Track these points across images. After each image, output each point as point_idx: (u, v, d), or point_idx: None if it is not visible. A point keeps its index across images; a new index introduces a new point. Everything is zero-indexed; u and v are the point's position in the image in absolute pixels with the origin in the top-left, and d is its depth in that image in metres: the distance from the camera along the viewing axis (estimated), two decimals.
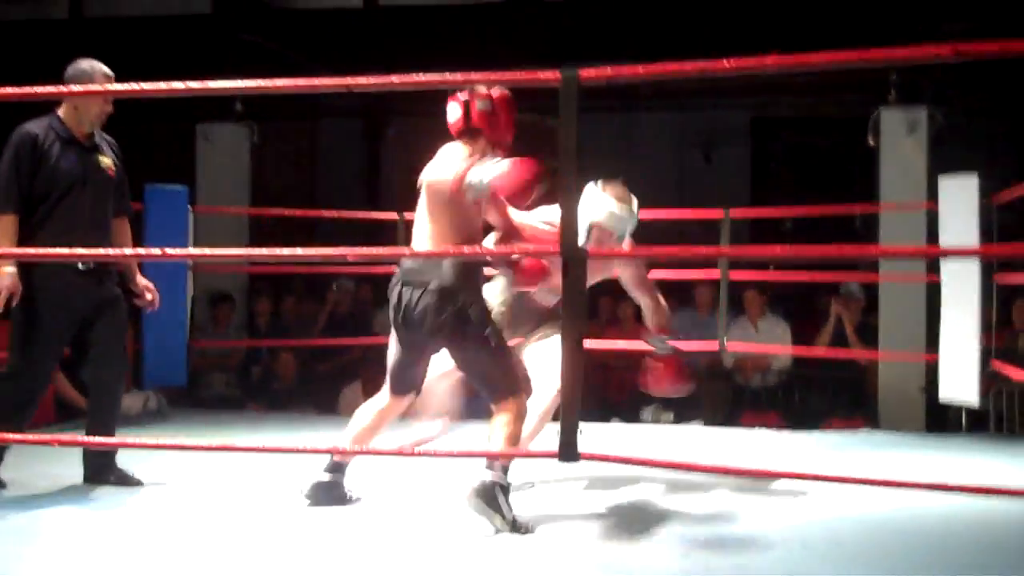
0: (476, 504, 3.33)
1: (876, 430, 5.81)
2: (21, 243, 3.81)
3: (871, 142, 6.27)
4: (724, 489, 3.99)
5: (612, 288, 7.38)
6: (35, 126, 3.90)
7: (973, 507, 3.67)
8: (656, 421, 6.30)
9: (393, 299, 3.48)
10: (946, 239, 5.29)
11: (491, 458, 3.35)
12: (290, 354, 6.97)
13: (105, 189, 3.99)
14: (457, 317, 3.38)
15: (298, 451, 3.59)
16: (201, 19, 7.51)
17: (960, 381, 5.19)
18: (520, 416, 3.41)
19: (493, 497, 3.31)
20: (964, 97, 6.66)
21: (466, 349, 3.43)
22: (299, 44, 7.48)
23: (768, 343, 6.58)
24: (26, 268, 3.82)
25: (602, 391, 7.07)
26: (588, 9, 7.07)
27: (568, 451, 2.72)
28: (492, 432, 3.38)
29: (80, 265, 3.90)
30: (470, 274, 3.43)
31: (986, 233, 5.05)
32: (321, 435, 5.02)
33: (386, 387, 3.63)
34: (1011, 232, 5.29)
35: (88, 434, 3.95)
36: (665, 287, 7.25)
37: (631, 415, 6.44)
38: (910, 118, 5.98)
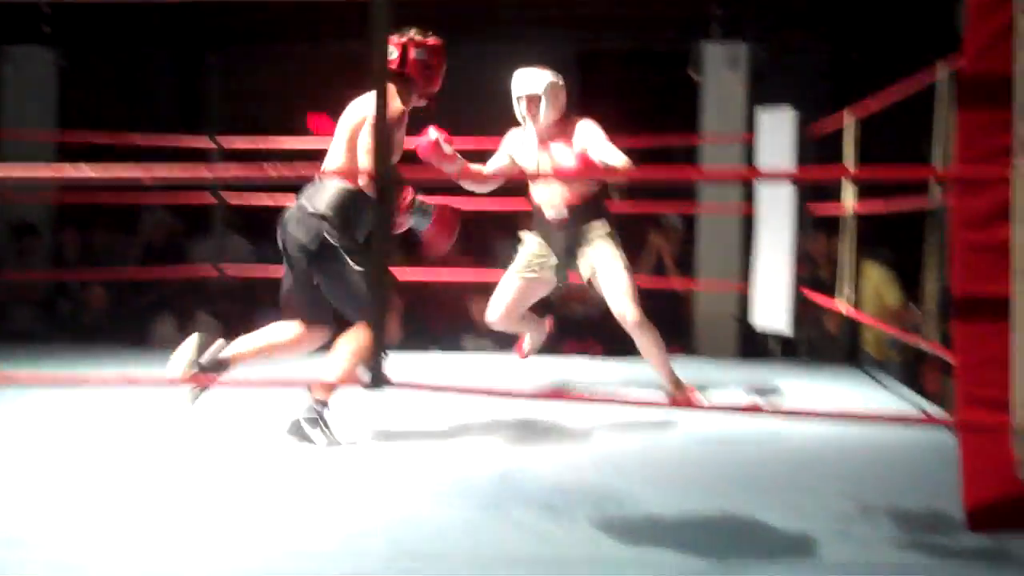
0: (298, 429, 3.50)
1: (692, 356, 5.96)
2: None
3: (693, 76, 6.35)
4: (542, 417, 4.01)
5: None
6: None
7: (784, 429, 3.81)
8: (477, 350, 6.29)
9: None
10: (763, 169, 5.43)
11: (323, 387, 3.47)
12: (100, 287, 6.63)
13: None
14: (322, 244, 3.45)
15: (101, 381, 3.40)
16: None
17: (772, 309, 5.36)
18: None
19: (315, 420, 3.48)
20: (784, 32, 6.79)
21: (329, 274, 3.50)
22: None
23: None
24: None
25: (425, 321, 7.00)
26: None
27: (376, 379, 2.64)
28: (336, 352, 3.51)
29: None
30: (350, 206, 3.49)
31: (801, 165, 5.20)
32: (132, 368, 4.86)
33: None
34: (826, 165, 5.45)
35: None
36: (491, 220, 7.30)
37: (453, 345, 6.40)
38: (731, 53, 6.07)
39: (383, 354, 2.64)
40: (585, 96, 8.69)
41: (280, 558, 2.46)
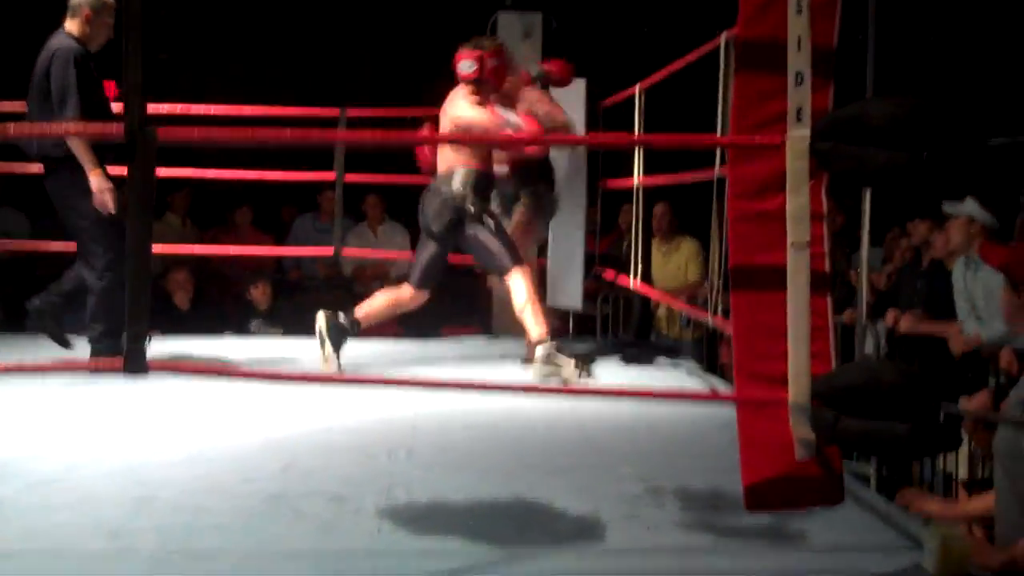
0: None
1: (491, 337, 5.86)
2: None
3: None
4: (333, 403, 3.81)
5: (233, 193, 7.05)
6: (70, 42, 4.21)
7: (575, 408, 3.75)
8: (264, 334, 6.02)
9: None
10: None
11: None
12: None
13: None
14: (461, 217, 4.31)
15: None
16: None
17: (566, 287, 5.31)
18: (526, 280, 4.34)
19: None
20: (577, 3, 6.77)
21: (470, 241, 4.36)
22: None
23: (388, 250, 6.46)
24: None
25: (218, 302, 6.69)
26: None
27: (134, 362, 2.37)
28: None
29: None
30: (476, 185, 4.34)
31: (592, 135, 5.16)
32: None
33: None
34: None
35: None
36: (285, 191, 7.02)
37: (242, 329, 6.11)
38: (525, 22, 5.99)
39: (146, 337, 2.38)
40: (377, 64, 8.55)
41: (35, 560, 2.26)
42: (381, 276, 6.49)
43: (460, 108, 4.36)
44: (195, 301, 6.17)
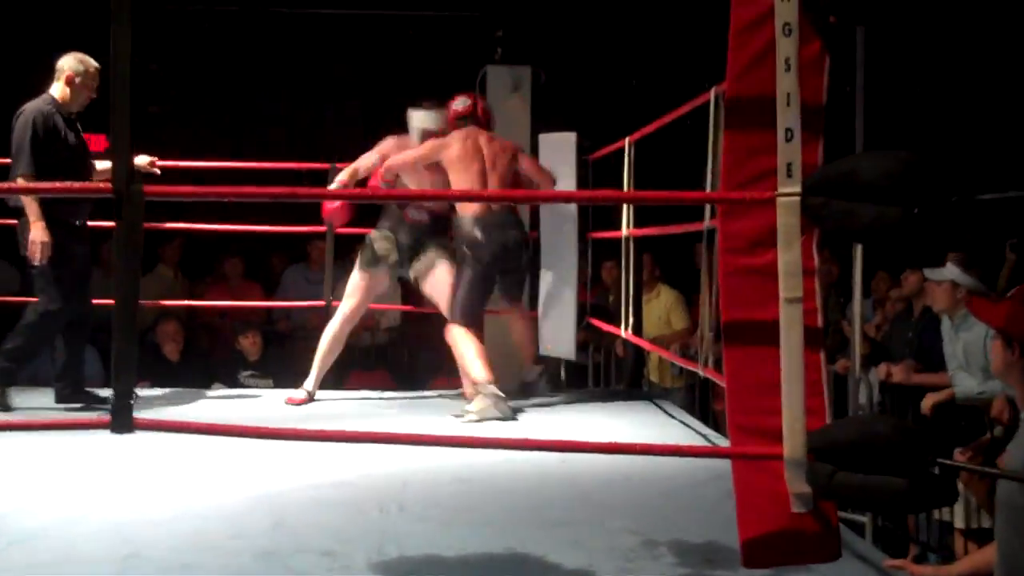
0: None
1: None
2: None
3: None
4: (323, 457, 3.77)
5: (224, 243, 7.05)
6: (41, 104, 4.51)
7: (568, 459, 3.72)
8: (255, 386, 5.99)
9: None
10: None
11: None
12: None
13: (89, 159, 4.69)
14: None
15: None
16: None
17: (557, 336, 5.30)
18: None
19: None
20: (565, 58, 6.84)
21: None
22: None
23: (379, 301, 6.44)
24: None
25: (208, 353, 6.66)
26: None
27: (121, 420, 2.35)
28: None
29: (76, 222, 4.57)
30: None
31: (582, 188, 5.18)
32: None
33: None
34: (605, 187, 5.45)
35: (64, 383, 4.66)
36: (275, 241, 7.02)
37: (232, 380, 6.08)
38: (515, 76, 6.03)
39: (132, 393, 2.37)
40: (367, 119, 8.61)
41: None
42: (371, 327, 6.49)
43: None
44: (185, 352, 6.15)
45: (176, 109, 7.97)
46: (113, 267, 2.44)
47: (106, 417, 2.36)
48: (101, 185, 2.47)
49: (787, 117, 2.27)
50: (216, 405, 5.02)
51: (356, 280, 5.04)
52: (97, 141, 5.03)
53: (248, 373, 6.11)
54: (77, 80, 4.57)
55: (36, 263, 4.38)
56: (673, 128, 4.54)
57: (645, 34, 7.13)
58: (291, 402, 4.87)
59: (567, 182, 5.03)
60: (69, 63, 4.60)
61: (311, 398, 4.93)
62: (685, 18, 6.91)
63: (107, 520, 2.97)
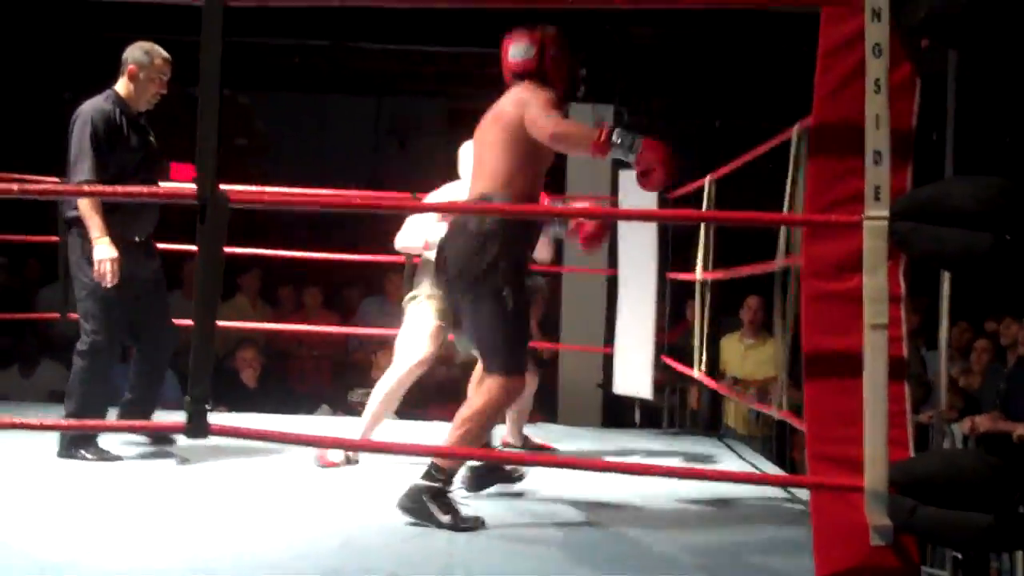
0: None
1: (553, 424, 5.79)
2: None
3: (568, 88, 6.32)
4: (392, 480, 3.75)
5: (294, 276, 7.15)
6: (102, 103, 3.99)
7: (638, 496, 3.66)
8: (330, 414, 6.01)
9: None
10: (624, 232, 5.35)
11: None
12: None
13: (159, 166, 4.22)
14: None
15: None
16: None
17: (634, 375, 5.24)
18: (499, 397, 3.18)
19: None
20: (649, 98, 6.84)
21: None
22: None
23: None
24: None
25: (288, 381, 6.74)
26: None
27: (196, 425, 2.37)
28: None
29: (136, 238, 4.04)
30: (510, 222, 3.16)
31: (662, 228, 5.14)
32: None
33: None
34: (686, 228, 5.41)
35: (128, 413, 4.12)
36: (356, 273, 7.08)
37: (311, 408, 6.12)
38: (597, 114, 6.05)
39: (207, 400, 2.38)
40: (453, 151, 8.67)
41: None
42: (447, 361, 6.49)
43: (536, 109, 3.11)
44: (262, 379, 6.21)
45: (263, 142, 8.14)
46: (195, 273, 2.45)
47: (181, 422, 2.39)
48: (185, 190, 2.44)
49: (876, 140, 2.23)
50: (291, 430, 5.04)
51: (427, 327, 4.08)
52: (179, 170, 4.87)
53: (362, 391, 6.07)
54: (141, 74, 4.02)
55: (107, 284, 3.87)
56: (755, 168, 4.49)
57: (729, 73, 7.09)
58: (325, 464, 3.93)
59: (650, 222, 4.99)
60: (132, 54, 4.05)
61: (349, 461, 3.97)
62: (770, 57, 6.87)
63: (173, 539, 2.98)
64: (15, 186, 2.51)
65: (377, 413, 3.99)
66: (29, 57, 7.32)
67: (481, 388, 3.19)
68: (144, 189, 3.52)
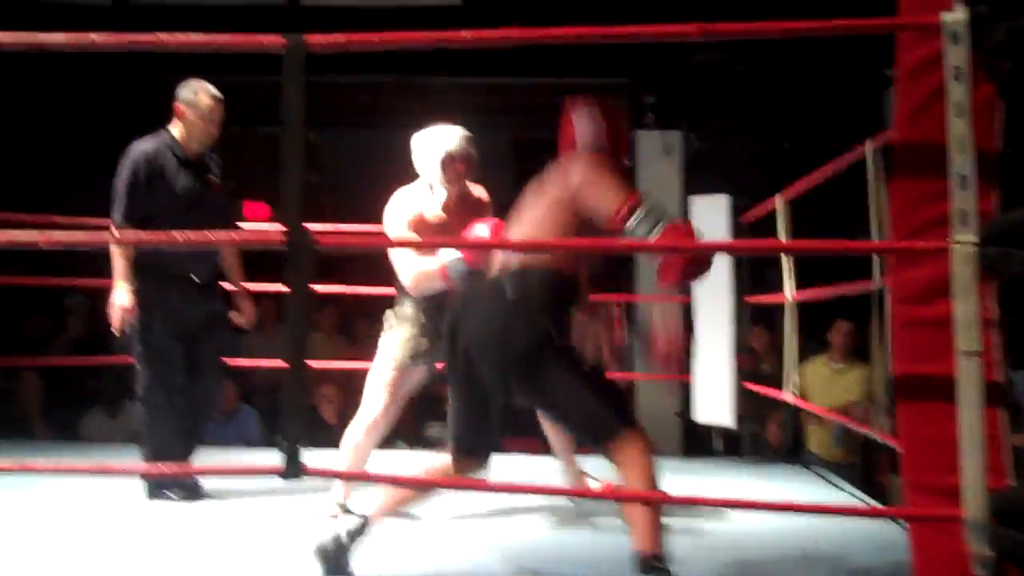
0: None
1: None
2: (140, 260, 3.84)
3: (625, 163, 6.30)
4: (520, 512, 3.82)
5: (368, 309, 7.20)
6: (149, 143, 3.93)
7: (719, 526, 3.62)
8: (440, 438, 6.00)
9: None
10: None
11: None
12: (35, 375, 6.35)
13: (217, 207, 3.99)
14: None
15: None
16: None
17: (714, 403, 5.20)
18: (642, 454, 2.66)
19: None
20: (715, 122, 6.82)
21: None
22: None
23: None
24: (144, 283, 3.88)
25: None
26: None
27: (292, 467, 2.40)
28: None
29: (195, 278, 3.96)
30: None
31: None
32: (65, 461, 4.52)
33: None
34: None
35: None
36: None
37: (414, 437, 6.16)
38: (666, 140, 6.04)
39: (301, 440, 2.41)
40: (520, 183, 8.66)
41: None
42: None
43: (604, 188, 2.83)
44: (342, 415, 6.27)
45: (333, 179, 8.23)
46: (286, 316, 2.49)
47: (278, 464, 2.41)
48: (273, 235, 2.43)
49: (960, 164, 2.20)
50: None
51: (386, 374, 3.68)
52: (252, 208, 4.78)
53: (439, 425, 6.08)
54: (189, 113, 3.94)
55: (114, 331, 3.86)
56: (829, 189, 4.44)
57: (795, 94, 7.04)
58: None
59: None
60: (181, 93, 3.97)
61: (346, 510, 3.57)
62: (839, 77, 6.81)
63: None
64: (39, 237, 2.48)
65: (353, 467, 3.59)
66: (98, 96, 7.50)
67: (619, 467, 2.67)
68: (237, 235, 3.51)
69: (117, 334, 3.89)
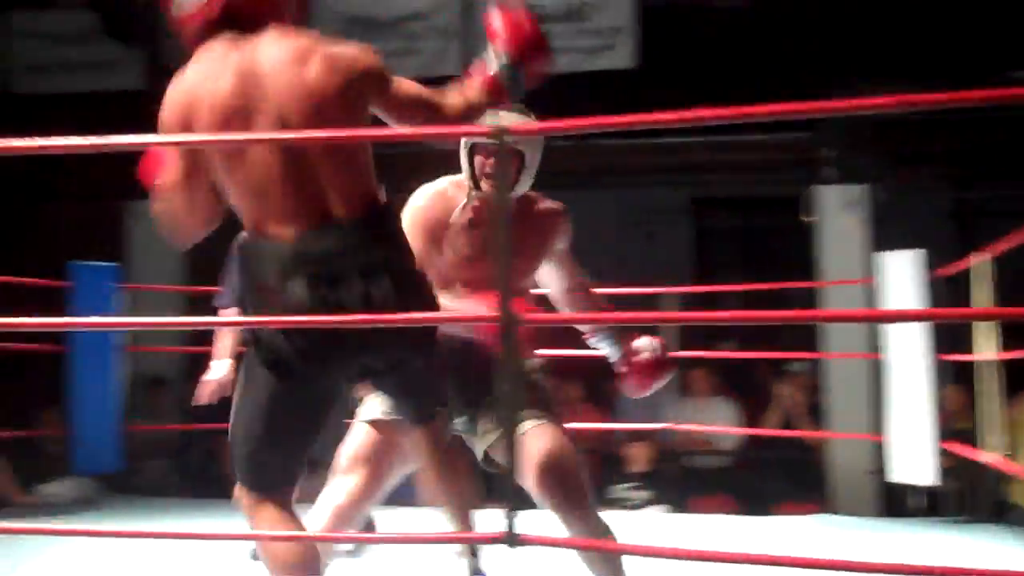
0: None
1: (829, 514, 5.65)
2: None
3: (804, 219, 6.26)
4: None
5: (556, 371, 7.30)
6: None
7: None
8: (636, 501, 6.03)
9: None
10: None
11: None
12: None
13: None
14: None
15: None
16: None
17: (912, 461, 5.07)
18: None
19: None
20: (901, 172, 6.67)
21: None
22: None
23: (715, 423, 6.44)
24: None
25: None
26: None
27: (512, 535, 2.50)
28: None
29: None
30: None
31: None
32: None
33: None
34: (956, 307, 5.22)
35: None
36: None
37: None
38: (847, 195, 5.95)
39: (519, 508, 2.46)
40: (700, 241, 8.72)
41: None
42: (708, 450, 6.48)
43: None
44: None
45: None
46: (499, 390, 2.60)
47: (497, 532, 2.50)
48: (487, 313, 2.57)
49: None
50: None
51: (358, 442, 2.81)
52: None
53: (625, 486, 6.12)
54: None
55: (194, 402, 3.97)
56: None
57: (984, 142, 6.79)
58: None
59: (913, 302, 4.85)
60: None
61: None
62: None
63: None
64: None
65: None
66: None
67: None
68: (449, 315, 2.85)
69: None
